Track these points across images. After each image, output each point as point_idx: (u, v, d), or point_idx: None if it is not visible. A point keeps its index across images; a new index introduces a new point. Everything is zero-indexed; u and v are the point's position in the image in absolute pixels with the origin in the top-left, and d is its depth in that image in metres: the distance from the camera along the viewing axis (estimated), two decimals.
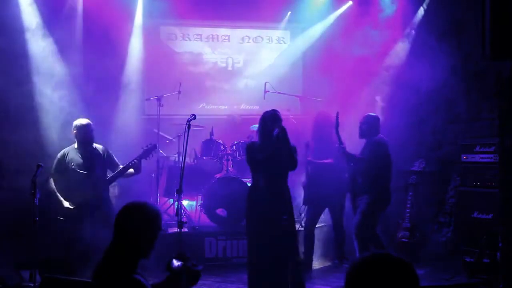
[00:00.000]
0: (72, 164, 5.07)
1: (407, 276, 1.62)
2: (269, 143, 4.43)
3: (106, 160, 5.15)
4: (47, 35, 6.81)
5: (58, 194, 5.02)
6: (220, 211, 6.42)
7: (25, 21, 6.67)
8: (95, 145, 5.20)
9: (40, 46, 6.85)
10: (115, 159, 5.22)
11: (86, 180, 4.98)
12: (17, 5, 6.58)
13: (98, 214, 4.93)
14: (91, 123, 5.16)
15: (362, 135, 5.67)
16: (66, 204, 4.95)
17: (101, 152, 5.16)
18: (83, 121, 5.15)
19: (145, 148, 5.11)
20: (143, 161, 5.19)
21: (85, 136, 5.09)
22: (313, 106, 7.45)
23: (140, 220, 2.44)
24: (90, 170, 5.03)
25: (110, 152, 5.24)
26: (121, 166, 5.18)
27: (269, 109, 4.65)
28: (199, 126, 6.78)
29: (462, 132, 6.83)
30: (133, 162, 5.06)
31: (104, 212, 4.99)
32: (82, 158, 5.06)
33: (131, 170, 5.13)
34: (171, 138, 6.99)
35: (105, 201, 5.06)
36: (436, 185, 6.98)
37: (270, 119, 4.46)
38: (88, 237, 5.05)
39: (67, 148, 5.25)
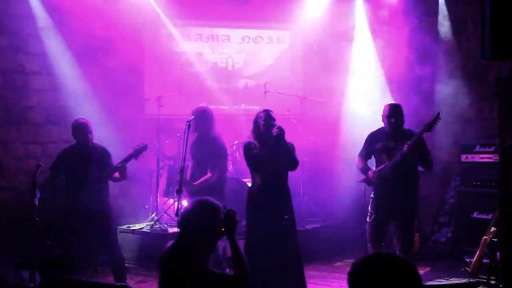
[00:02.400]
0: (70, 163, 5.07)
1: (411, 277, 1.62)
2: (264, 142, 4.45)
3: (104, 162, 5.13)
4: (49, 37, 6.84)
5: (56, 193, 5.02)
6: None
7: (26, 22, 6.69)
8: (95, 145, 5.19)
9: (41, 46, 6.87)
10: (112, 162, 5.19)
11: (83, 180, 4.97)
12: (20, 5, 6.61)
13: (97, 214, 4.92)
14: (88, 123, 5.14)
15: (401, 127, 4.80)
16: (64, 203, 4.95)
17: (100, 153, 5.14)
18: (80, 120, 5.14)
19: (136, 147, 5.10)
20: (141, 162, 5.17)
21: (81, 136, 5.07)
22: (313, 106, 7.45)
23: (199, 216, 2.62)
24: (87, 171, 5.01)
25: (110, 154, 5.22)
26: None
27: (268, 109, 4.66)
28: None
29: (462, 132, 6.83)
30: (121, 163, 5.01)
31: (102, 213, 4.98)
32: (80, 158, 5.05)
33: (117, 174, 5.07)
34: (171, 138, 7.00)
35: (103, 202, 5.04)
36: (436, 185, 6.98)
37: (264, 119, 4.48)
38: (87, 237, 5.05)
39: (67, 147, 5.26)
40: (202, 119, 5.14)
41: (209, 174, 5.04)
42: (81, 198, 4.87)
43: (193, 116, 5.05)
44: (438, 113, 4.64)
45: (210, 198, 2.75)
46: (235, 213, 2.75)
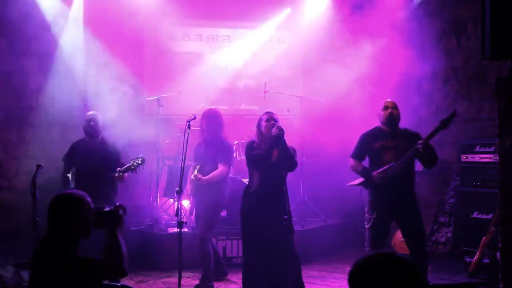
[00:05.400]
0: (79, 157, 5.09)
1: (411, 277, 1.62)
2: (266, 143, 4.46)
3: (112, 158, 5.13)
4: (50, 38, 6.84)
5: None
6: None
7: (26, 22, 6.70)
8: (106, 142, 5.21)
9: (42, 46, 6.88)
10: (121, 159, 5.19)
11: (88, 174, 4.98)
12: (20, 5, 6.62)
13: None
14: (96, 115, 5.19)
15: (397, 124, 4.72)
16: None
17: (109, 149, 5.16)
18: (89, 113, 5.24)
19: (134, 159, 5.06)
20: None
21: (87, 128, 5.13)
22: (313, 106, 7.45)
23: (68, 208, 2.67)
24: (94, 165, 5.01)
25: (118, 152, 5.23)
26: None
27: (269, 109, 4.69)
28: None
29: (462, 132, 6.84)
30: (117, 173, 4.97)
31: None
32: (88, 151, 5.08)
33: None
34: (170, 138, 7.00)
35: (106, 198, 5.05)
36: (436, 185, 6.99)
37: (266, 120, 4.49)
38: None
39: (80, 140, 5.31)
40: (214, 121, 5.20)
41: (221, 168, 5.09)
42: (86, 191, 4.87)
43: (205, 118, 5.13)
44: (455, 110, 4.51)
45: (75, 191, 2.78)
46: (123, 209, 2.79)
